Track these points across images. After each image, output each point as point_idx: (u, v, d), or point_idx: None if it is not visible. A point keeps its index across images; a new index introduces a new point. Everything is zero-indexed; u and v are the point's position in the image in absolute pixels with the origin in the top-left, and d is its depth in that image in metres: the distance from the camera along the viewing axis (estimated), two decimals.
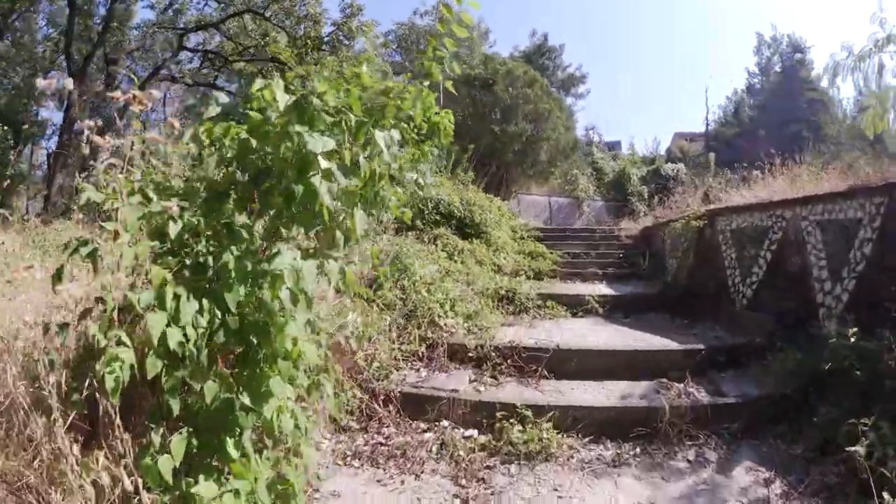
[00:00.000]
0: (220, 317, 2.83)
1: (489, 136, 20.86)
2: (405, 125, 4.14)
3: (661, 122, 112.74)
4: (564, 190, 27.28)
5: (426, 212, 11.97)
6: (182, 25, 25.38)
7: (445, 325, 7.33)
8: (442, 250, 10.78)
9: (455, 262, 10.40)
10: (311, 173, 3.08)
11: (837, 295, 6.11)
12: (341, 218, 3.46)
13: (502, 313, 8.71)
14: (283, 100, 3.12)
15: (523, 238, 14.10)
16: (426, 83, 4.25)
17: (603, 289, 10.42)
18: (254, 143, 3.16)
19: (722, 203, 9.83)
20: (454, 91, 4.56)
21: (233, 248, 2.90)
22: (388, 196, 4.26)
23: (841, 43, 7.03)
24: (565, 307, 9.07)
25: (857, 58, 6.79)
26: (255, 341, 2.96)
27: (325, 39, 23.13)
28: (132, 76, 27.58)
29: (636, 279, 11.46)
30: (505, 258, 11.96)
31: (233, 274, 2.80)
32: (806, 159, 11.32)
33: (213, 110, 3.33)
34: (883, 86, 6.62)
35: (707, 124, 50.26)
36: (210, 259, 2.94)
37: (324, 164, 3.09)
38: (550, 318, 8.74)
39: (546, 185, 26.93)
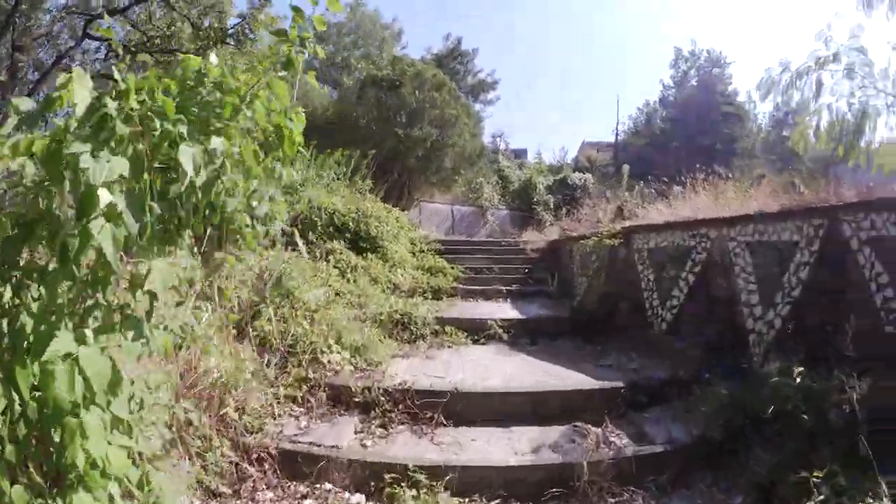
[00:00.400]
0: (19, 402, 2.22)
1: (393, 139, 19.88)
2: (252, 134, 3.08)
3: (570, 131, 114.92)
4: (468, 198, 26.58)
5: (319, 224, 10.84)
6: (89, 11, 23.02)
7: (330, 361, 6.28)
8: (334, 267, 9.75)
9: (347, 281, 9.40)
10: (93, 214, 2.15)
11: (770, 321, 5.64)
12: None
13: (397, 341, 7.70)
14: (84, 102, 2.18)
15: (423, 251, 13.15)
16: (281, 74, 3.20)
17: (508, 310, 9.57)
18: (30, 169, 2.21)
19: (639, 220, 9.18)
20: (315, 83, 3.52)
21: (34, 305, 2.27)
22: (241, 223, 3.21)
23: (779, 59, 6.60)
24: (466, 333, 8.14)
25: (795, 74, 6.32)
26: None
27: (230, 32, 21.45)
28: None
29: (543, 298, 10.69)
30: (402, 275, 10.97)
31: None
32: (730, 174, 10.94)
33: (12, 122, 2.38)
34: (819, 103, 6.16)
35: (617, 134, 50.99)
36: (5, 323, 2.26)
37: (105, 198, 2.13)
38: (450, 347, 7.78)
39: (450, 193, 26.17)
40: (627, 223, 9.13)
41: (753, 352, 5.74)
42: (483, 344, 7.99)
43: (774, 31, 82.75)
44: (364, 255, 10.83)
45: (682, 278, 7.14)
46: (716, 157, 40.91)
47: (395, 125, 19.95)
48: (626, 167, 15.11)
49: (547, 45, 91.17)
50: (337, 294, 8.32)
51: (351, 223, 11.12)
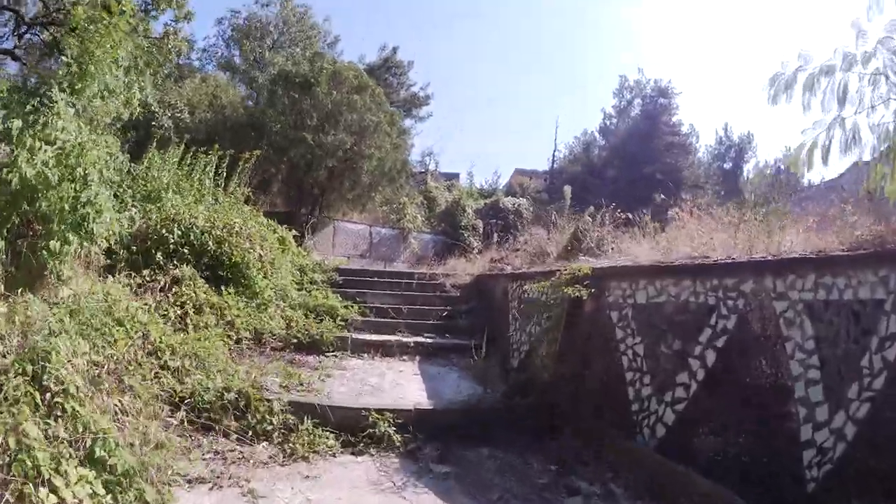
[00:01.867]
0: None
1: (303, 146, 16.79)
2: None
3: (503, 158, 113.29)
4: (390, 219, 23.61)
5: (171, 241, 7.75)
6: None
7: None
8: (175, 304, 6.93)
9: (183, 328, 6.60)
10: None
11: (838, 428, 3.43)
12: None
13: (211, 446, 4.64)
14: None
15: (314, 284, 10.10)
16: None
17: (410, 385, 6.61)
18: None
19: (613, 258, 6.34)
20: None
21: None
22: None
23: (798, 52, 4.07)
24: (337, 433, 5.05)
25: (819, 71, 4.49)
26: None
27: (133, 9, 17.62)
28: None
29: (465, 360, 7.80)
30: (271, 319, 7.93)
31: None
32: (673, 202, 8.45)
33: None
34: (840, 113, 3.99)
35: (553, 160, 49.13)
36: None
37: None
38: (303, 460, 4.67)
39: (370, 213, 23.18)
40: (592, 262, 6.29)
41: (808, 475, 3.47)
42: (359, 454, 4.88)
43: (728, 60, 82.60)
44: (224, 287, 7.90)
45: (695, 356, 4.38)
46: (658, 186, 39.42)
47: (305, 130, 16.84)
48: (567, 188, 12.74)
49: (484, 68, 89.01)
50: (151, 354, 5.29)
51: (211, 243, 8.07)
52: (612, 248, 7.06)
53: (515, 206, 27.39)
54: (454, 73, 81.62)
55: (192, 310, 7.00)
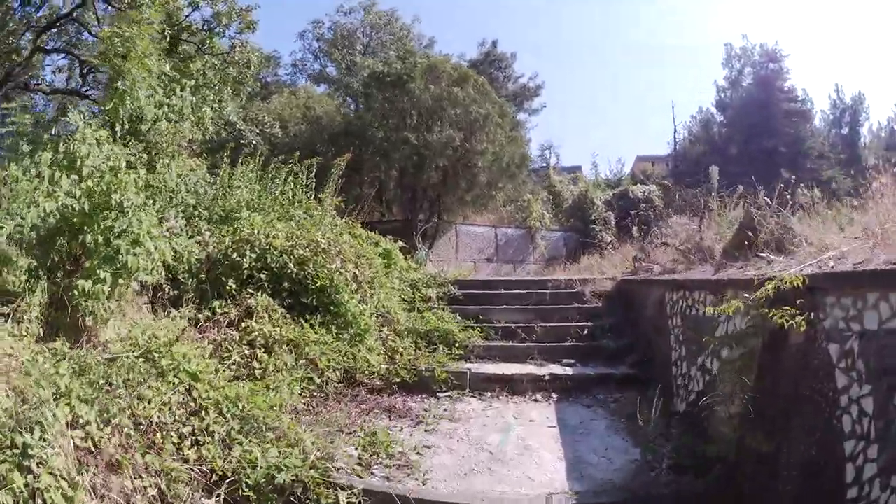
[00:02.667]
0: None
1: (406, 148, 15.40)
2: None
3: (621, 146, 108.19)
4: (515, 218, 21.84)
5: (245, 266, 6.52)
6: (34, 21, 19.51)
7: None
8: (243, 343, 5.71)
9: (253, 373, 5.40)
10: None
11: None
12: None
13: None
14: None
15: (428, 301, 8.55)
16: None
17: (543, 453, 4.76)
18: None
19: (827, 260, 4.05)
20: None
21: None
22: None
23: None
24: None
25: None
26: None
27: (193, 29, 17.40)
28: None
29: (613, 400, 6.00)
30: (370, 353, 6.48)
31: None
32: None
33: None
34: None
35: (675, 143, 45.44)
36: None
37: None
38: None
39: (492, 213, 21.52)
40: (788, 264, 4.16)
41: None
42: None
43: (830, 17, 74.16)
44: (309, 316, 6.52)
45: None
46: (780, 160, 35.45)
47: (407, 129, 15.43)
48: (714, 168, 10.60)
49: (586, 57, 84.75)
50: (195, 414, 4.10)
51: (292, 265, 6.69)
52: (801, 241, 4.94)
53: (646, 193, 24.85)
54: (560, 64, 78.30)
55: (262, 349, 5.63)
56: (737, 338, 4.08)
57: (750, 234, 5.43)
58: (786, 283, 3.59)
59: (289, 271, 6.64)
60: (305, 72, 29.58)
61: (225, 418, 4.21)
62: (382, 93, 16.49)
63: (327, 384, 5.81)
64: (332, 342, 6.30)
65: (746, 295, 4.03)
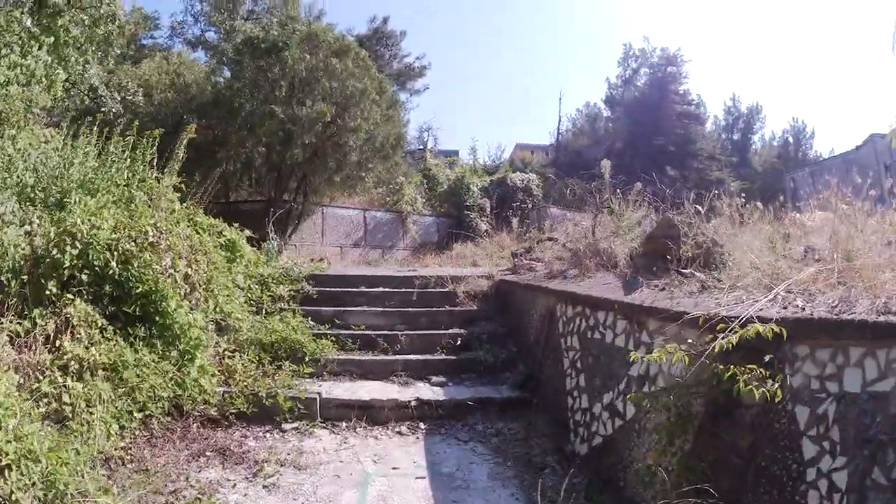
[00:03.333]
0: None
1: (272, 122, 13.88)
2: None
3: (502, 133, 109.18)
4: (385, 202, 20.71)
5: (65, 265, 5.02)
6: None
7: None
8: (56, 367, 4.39)
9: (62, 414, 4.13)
10: None
11: None
12: None
13: None
14: None
15: (279, 300, 7.36)
16: None
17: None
18: None
19: (821, 307, 3.22)
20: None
21: None
22: None
23: None
24: None
25: None
26: None
27: None
28: None
29: (494, 432, 5.09)
30: (202, 374, 5.29)
31: None
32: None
33: None
34: None
35: (559, 133, 45.85)
36: None
37: None
38: None
39: (364, 196, 20.27)
40: (747, 302, 3.30)
41: None
42: None
43: (732, 29, 78.94)
44: (131, 330, 5.15)
45: None
46: (671, 159, 36.81)
47: (275, 102, 13.90)
48: (606, 162, 10.12)
49: (479, 41, 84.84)
50: None
51: (115, 263, 5.21)
52: (730, 258, 4.21)
53: (525, 182, 24.37)
54: (448, 47, 77.79)
55: (75, 376, 4.35)
56: (670, 390, 3.22)
57: (670, 244, 4.64)
58: (751, 333, 2.74)
59: (111, 271, 5.23)
60: (184, 36, 26.75)
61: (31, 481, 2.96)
62: (255, 61, 14.78)
63: (152, 420, 4.56)
64: (157, 363, 4.99)
65: (686, 336, 3.18)
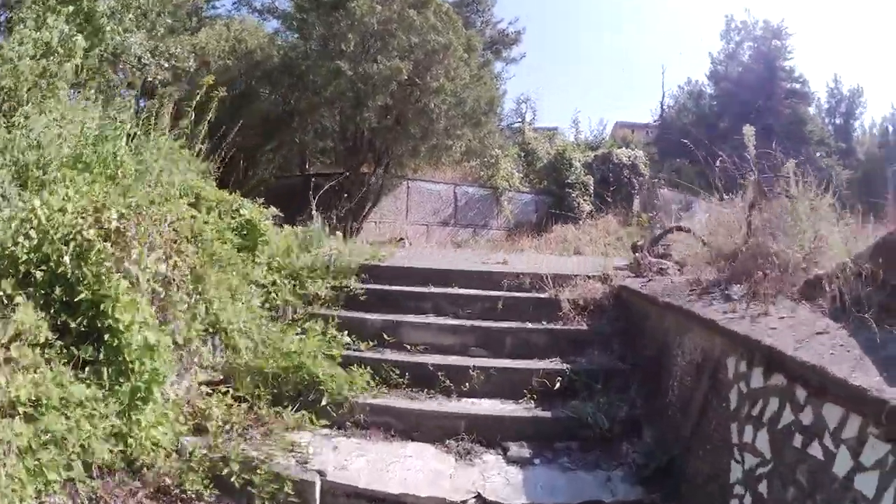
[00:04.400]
0: None
1: (342, 80, 12.00)
2: None
3: (601, 111, 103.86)
4: (479, 176, 18.60)
5: (20, 258, 3.41)
6: None
7: None
8: None
9: None
10: None
11: None
12: None
13: None
14: None
15: (313, 303, 5.41)
16: None
17: None
18: None
19: None
20: None
21: None
22: None
23: None
24: None
25: None
26: None
27: None
28: None
29: None
30: (156, 425, 3.44)
31: None
32: None
33: None
34: None
35: (662, 110, 42.49)
36: None
37: None
38: None
39: (454, 170, 18.25)
40: None
41: None
42: None
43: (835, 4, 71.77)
44: (76, 350, 3.45)
45: None
46: (781, 141, 32.86)
47: (342, 58, 11.97)
48: (749, 128, 8.12)
49: (576, 18, 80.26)
50: None
51: (67, 258, 3.46)
52: None
53: (631, 159, 21.73)
54: (547, 17, 73.87)
55: None
56: None
57: None
58: None
59: (63, 269, 3.45)
60: (252, 5, 25.10)
61: None
62: (322, 17, 12.93)
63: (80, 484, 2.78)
64: (101, 400, 3.22)
65: None
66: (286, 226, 6.92)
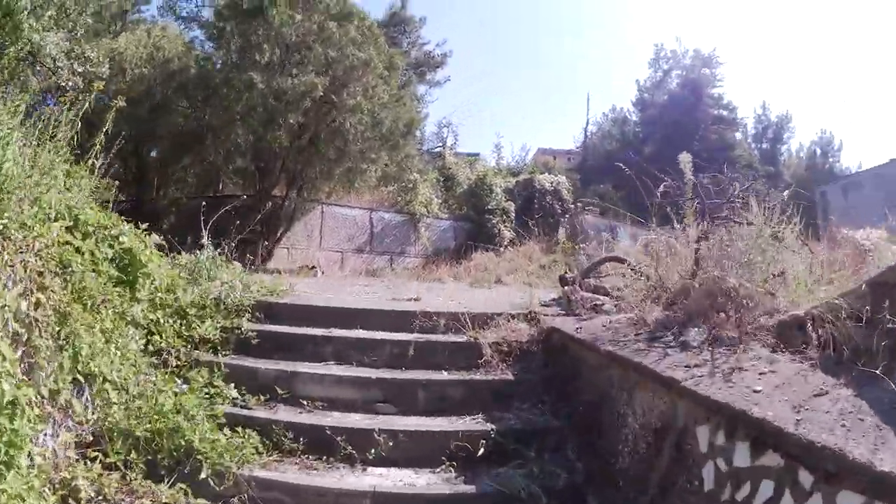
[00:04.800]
0: None
1: (253, 94, 11.19)
2: None
3: (524, 136, 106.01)
4: (396, 201, 17.97)
5: None
6: None
7: None
8: None
9: None
10: None
11: None
12: None
13: None
14: None
15: (200, 346, 4.58)
16: None
17: None
18: None
19: None
20: None
21: None
22: None
23: None
24: None
25: None
26: None
27: None
28: None
29: None
30: None
31: None
32: None
33: None
34: None
35: (586, 135, 43.19)
36: None
37: None
38: None
39: (370, 195, 17.57)
40: None
41: None
42: None
43: (764, 34, 76.16)
44: None
45: None
46: (706, 166, 33.67)
47: (255, 70, 11.16)
48: (685, 155, 7.86)
49: (500, 40, 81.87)
50: None
51: None
52: None
53: (554, 184, 21.64)
54: (471, 45, 74.81)
55: None
56: None
57: None
58: None
59: None
60: (176, 12, 23.82)
61: None
62: (240, 26, 12.09)
63: None
64: None
65: None
66: (184, 254, 6.07)
